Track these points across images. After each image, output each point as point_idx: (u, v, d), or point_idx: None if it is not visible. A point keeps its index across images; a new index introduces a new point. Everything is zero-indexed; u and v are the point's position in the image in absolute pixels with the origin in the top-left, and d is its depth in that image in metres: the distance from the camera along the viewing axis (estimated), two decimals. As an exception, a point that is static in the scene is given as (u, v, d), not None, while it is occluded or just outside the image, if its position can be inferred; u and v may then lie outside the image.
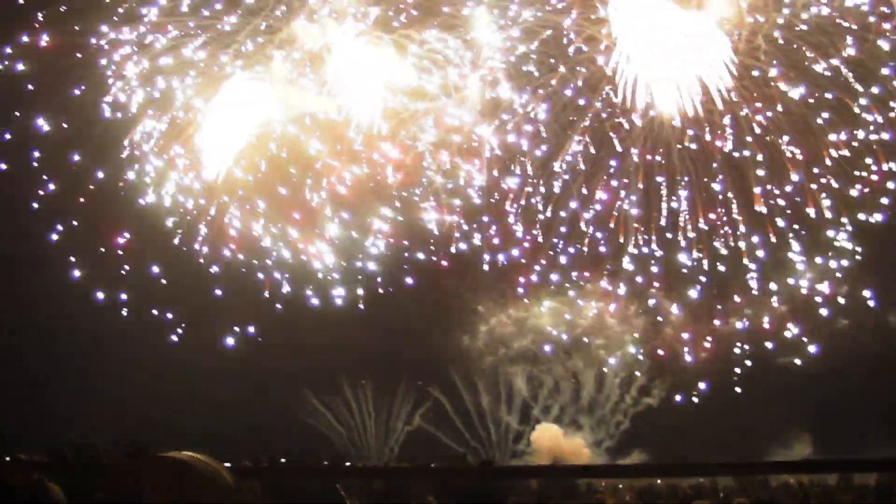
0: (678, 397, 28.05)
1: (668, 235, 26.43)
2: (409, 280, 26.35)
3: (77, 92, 23.68)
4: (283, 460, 26.30)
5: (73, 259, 24.21)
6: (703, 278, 26.64)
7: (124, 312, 24.43)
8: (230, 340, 25.72)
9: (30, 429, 21.92)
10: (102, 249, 24.03)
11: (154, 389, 24.38)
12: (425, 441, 28.75)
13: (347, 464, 26.71)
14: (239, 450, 25.27)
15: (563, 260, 27.03)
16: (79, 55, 23.71)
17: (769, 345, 26.69)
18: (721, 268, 26.55)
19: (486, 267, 26.85)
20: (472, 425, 29.50)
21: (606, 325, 30.12)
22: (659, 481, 25.62)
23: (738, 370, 27.03)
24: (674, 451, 27.76)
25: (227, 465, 4.26)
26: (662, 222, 26.24)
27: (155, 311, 25.12)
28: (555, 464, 28.21)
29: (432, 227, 26.04)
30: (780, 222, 25.69)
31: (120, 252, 24.09)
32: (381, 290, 26.04)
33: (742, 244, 26.12)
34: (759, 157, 25.33)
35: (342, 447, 28.76)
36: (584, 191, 26.43)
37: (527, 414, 29.89)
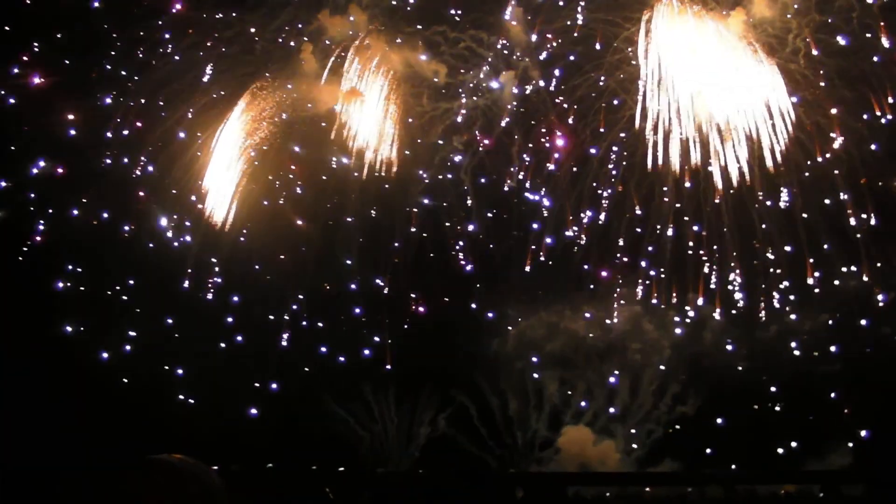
0: (719, 420, 26.99)
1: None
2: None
3: (74, 131, 22.02)
4: (269, 465, 25.86)
5: (78, 307, 22.63)
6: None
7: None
8: (254, 410, 24.56)
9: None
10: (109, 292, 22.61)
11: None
12: (448, 447, 27.83)
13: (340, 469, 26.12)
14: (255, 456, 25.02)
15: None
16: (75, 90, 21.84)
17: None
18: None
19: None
20: (497, 431, 28.41)
21: (643, 330, 28.92)
22: (648, 489, 25.16)
23: None
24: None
25: (215, 467, 4.51)
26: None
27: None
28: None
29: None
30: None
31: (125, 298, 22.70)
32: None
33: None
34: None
35: (365, 452, 27.87)
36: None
37: (557, 421, 28.71)
